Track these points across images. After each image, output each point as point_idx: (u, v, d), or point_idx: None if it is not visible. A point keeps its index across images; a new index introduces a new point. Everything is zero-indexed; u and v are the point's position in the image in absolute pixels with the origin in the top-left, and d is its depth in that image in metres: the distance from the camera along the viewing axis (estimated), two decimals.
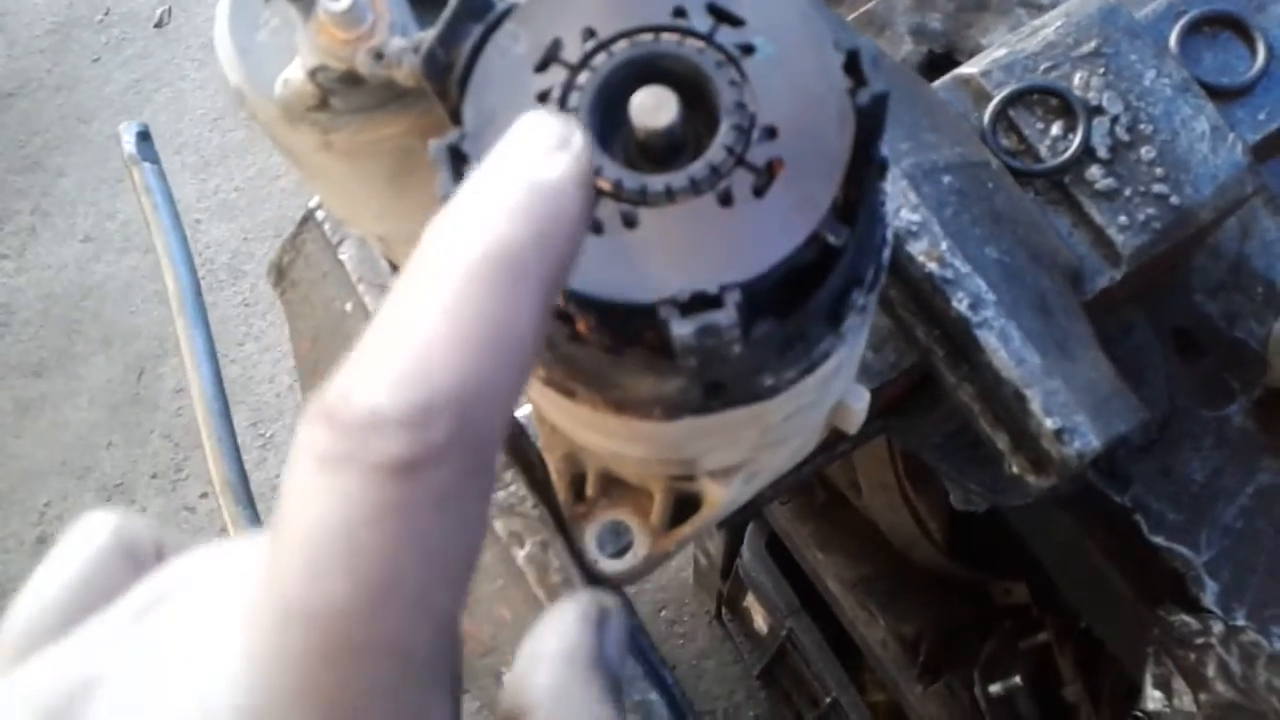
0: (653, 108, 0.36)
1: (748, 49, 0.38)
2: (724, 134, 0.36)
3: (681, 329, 0.34)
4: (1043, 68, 0.72)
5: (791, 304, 0.39)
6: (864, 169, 0.38)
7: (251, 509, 0.72)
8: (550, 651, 0.36)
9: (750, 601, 1.99)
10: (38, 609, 0.33)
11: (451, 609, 0.27)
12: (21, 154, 3.14)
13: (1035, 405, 0.54)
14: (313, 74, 0.42)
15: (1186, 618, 0.75)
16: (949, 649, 1.47)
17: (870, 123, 0.37)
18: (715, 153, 0.36)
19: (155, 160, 0.80)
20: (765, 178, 0.36)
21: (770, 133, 0.36)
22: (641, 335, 0.37)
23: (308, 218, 0.61)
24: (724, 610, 2.24)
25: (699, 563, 2.18)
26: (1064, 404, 0.53)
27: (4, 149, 3.15)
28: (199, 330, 0.76)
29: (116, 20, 3.33)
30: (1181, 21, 0.75)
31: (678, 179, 0.36)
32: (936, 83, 0.74)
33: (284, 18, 0.44)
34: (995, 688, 1.36)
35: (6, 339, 2.89)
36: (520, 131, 0.30)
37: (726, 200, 0.36)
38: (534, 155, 0.29)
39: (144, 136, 0.80)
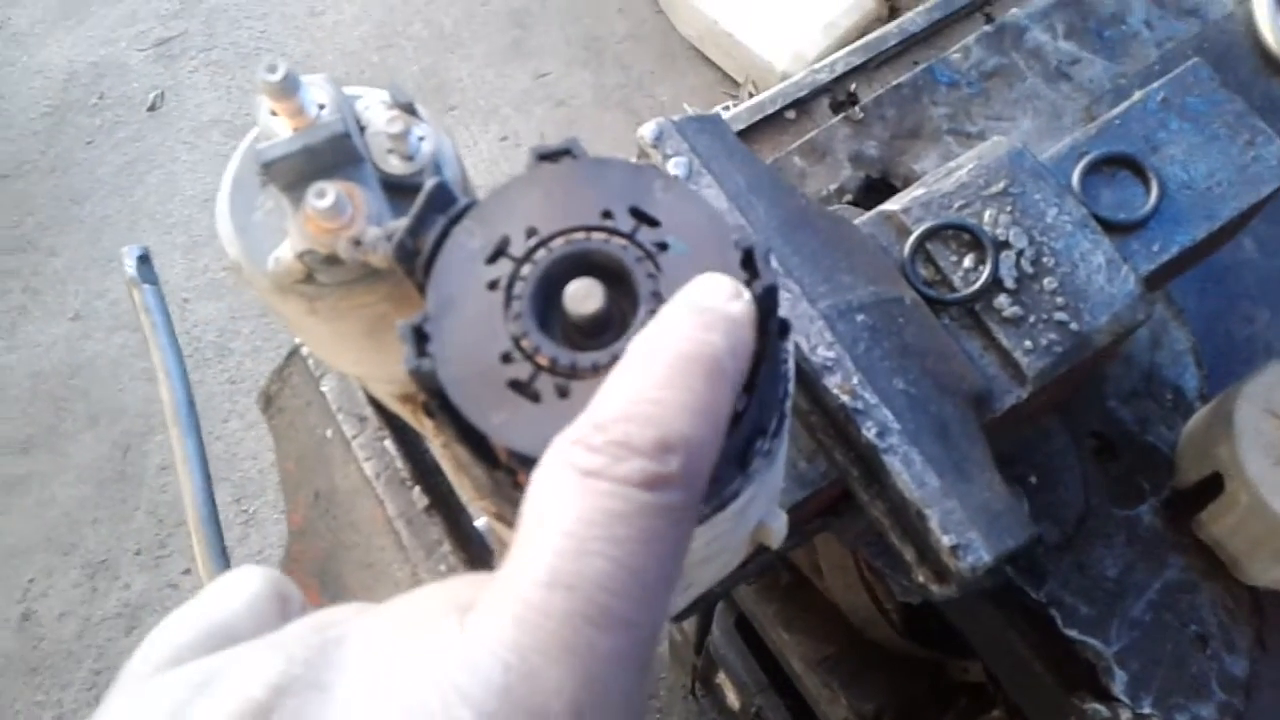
0: (583, 297, 0.43)
1: (663, 246, 0.45)
2: (642, 318, 0.44)
3: None
4: (956, 205, 0.80)
5: None
6: (762, 342, 0.46)
7: None
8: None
9: (722, 678, 2.03)
10: (186, 633, 0.36)
11: (664, 611, 0.33)
12: (14, 234, 3.22)
13: (934, 523, 0.61)
14: (300, 256, 0.49)
15: (1099, 705, 0.81)
16: None
17: (763, 308, 0.44)
18: (635, 334, 0.44)
19: (155, 282, 0.88)
20: None
21: None
22: None
23: (294, 352, 0.68)
24: (698, 686, 2.28)
25: (674, 638, 2.23)
26: (959, 522, 0.61)
27: None
28: (191, 439, 0.83)
29: (110, 104, 3.43)
30: (1082, 162, 0.83)
31: (603, 357, 0.43)
32: (863, 218, 0.82)
33: (277, 201, 0.52)
34: None
35: None
36: (710, 281, 0.41)
37: None
38: (721, 297, 0.40)
39: (144, 260, 0.88)
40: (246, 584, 0.39)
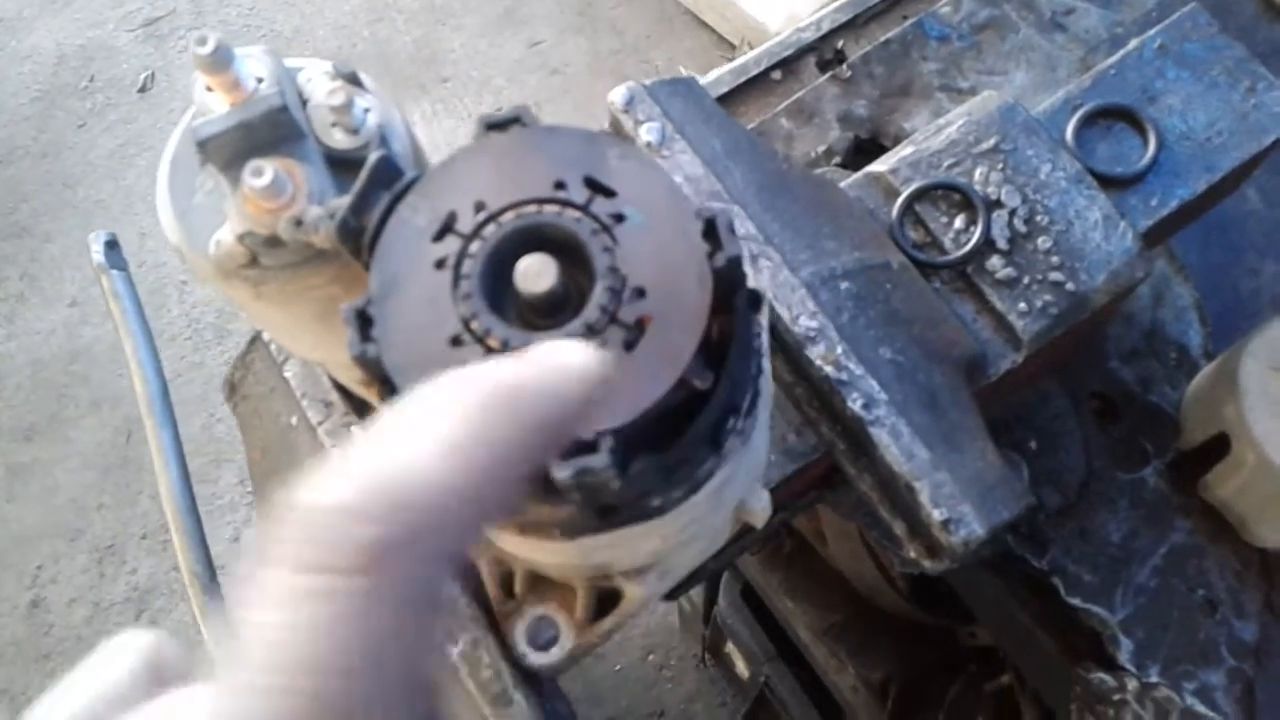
0: (534, 274, 0.41)
1: (619, 218, 0.42)
2: (598, 294, 0.41)
3: (561, 472, 0.39)
4: (946, 164, 0.77)
5: (670, 437, 0.43)
6: (728, 316, 0.43)
7: (220, 599, 0.76)
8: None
9: (731, 648, 2.02)
10: (64, 715, 0.35)
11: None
12: (9, 221, 3.19)
13: (924, 497, 0.58)
14: (241, 238, 0.47)
15: (1104, 675, 0.79)
16: (916, 693, 1.51)
17: (727, 280, 0.42)
18: (591, 312, 0.41)
19: (123, 267, 0.85)
20: (635, 333, 0.41)
21: (639, 293, 0.41)
22: None
23: (256, 337, 0.66)
24: (707, 655, 2.27)
25: (683, 608, 2.22)
26: (950, 495, 0.58)
27: None
28: (166, 430, 0.81)
29: (100, 87, 3.40)
30: (1077, 115, 0.80)
31: (557, 337, 0.41)
32: (849, 180, 0.79)
33: (216, 181, 0.49)
34: None
35: None
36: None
37: None
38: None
39: (112, 245, 0.85)
40: (122, 660, 0.37)
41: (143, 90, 3.37)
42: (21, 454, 2.85)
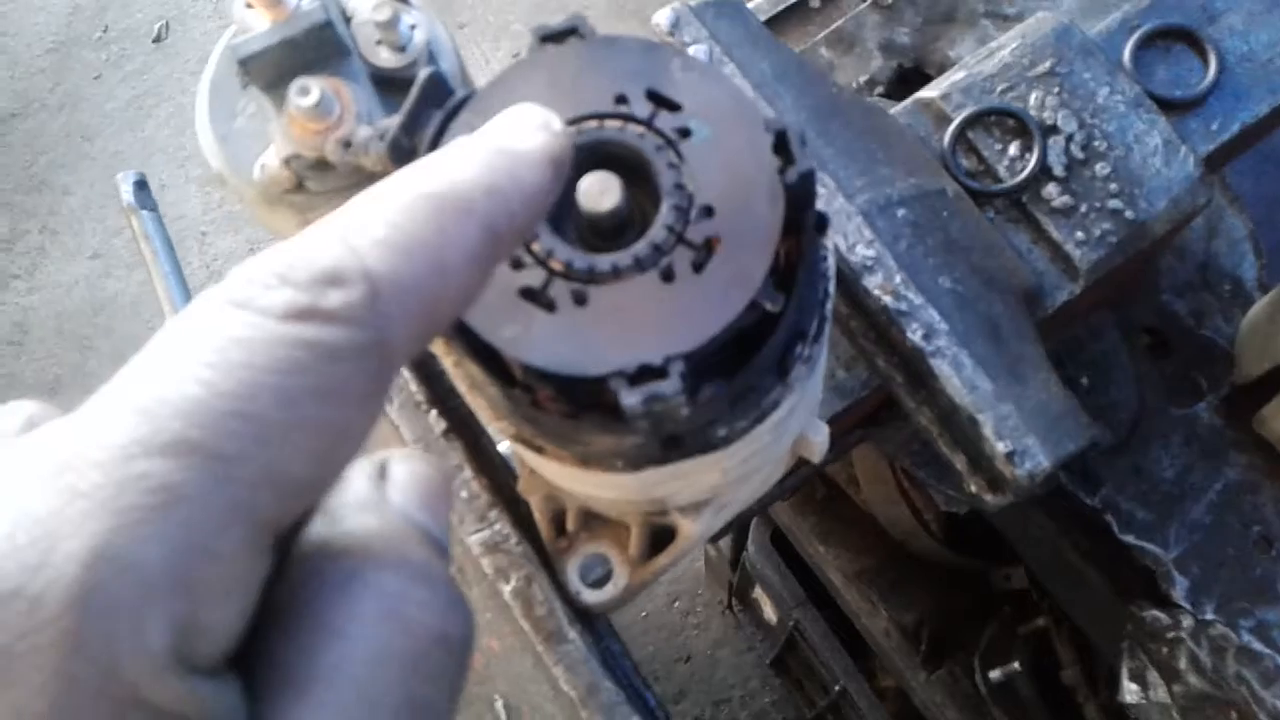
0: (598, 193, 0.39)
1: (685, 132, 0.40)
2: (665, 214, 0.39)
3: (630, 399, 0.37)
4: (999, 89, 0.74)
5: (738, 364, 0.42)
6: (798, 236, 0.41)
7: None
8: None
9: (759, 593, 2.02)
10: None
11: (300, 454, 0.27)
12: (28, 174, 3.18)
13: (988, 430, 0.57)
14: (287, 161, 0.45)
15: (1158, 613, 0.77)
16: (950, 636, 1.50)
17: (799, 197, 0.40)
18: (657, 232, 0.39)
19: (153, 208, 0.83)
20: (704, 254, 0.39)
21: (708, 211, 0.39)
22: (597, 400, 0.40)
23: None
24: (735, 601, 2.27)
25: (709, 555, 2.22)
26: (1015, 427, 0.56)
27: (10, 169, 3.19)
28: None
29: (115, 37, 3.36)
30: (1134, 36, 0.77)
31: (623, 258, 0.39)
32: (898, 107, 0.76)
33: (259, 104, 0.47)
34: (995, 673, 1.39)
35: (21, 358, 2.93)
36: (508, 112, 0.35)
37: (668, 276, 0.39)
38: (510, 127, 0.34)
39: (141, 185, 0.83)
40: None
41: (157, 40, 3.34)
42: None
